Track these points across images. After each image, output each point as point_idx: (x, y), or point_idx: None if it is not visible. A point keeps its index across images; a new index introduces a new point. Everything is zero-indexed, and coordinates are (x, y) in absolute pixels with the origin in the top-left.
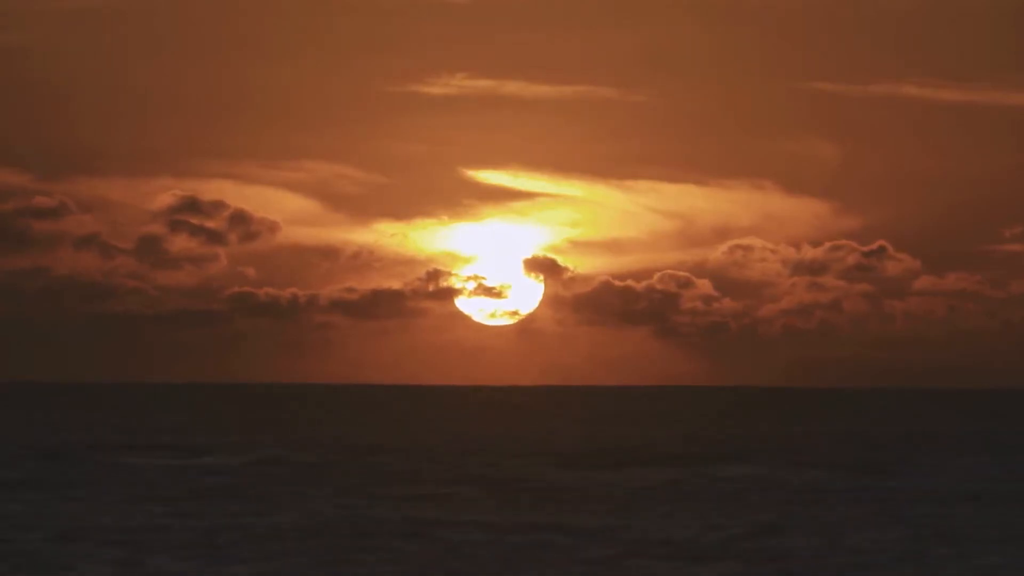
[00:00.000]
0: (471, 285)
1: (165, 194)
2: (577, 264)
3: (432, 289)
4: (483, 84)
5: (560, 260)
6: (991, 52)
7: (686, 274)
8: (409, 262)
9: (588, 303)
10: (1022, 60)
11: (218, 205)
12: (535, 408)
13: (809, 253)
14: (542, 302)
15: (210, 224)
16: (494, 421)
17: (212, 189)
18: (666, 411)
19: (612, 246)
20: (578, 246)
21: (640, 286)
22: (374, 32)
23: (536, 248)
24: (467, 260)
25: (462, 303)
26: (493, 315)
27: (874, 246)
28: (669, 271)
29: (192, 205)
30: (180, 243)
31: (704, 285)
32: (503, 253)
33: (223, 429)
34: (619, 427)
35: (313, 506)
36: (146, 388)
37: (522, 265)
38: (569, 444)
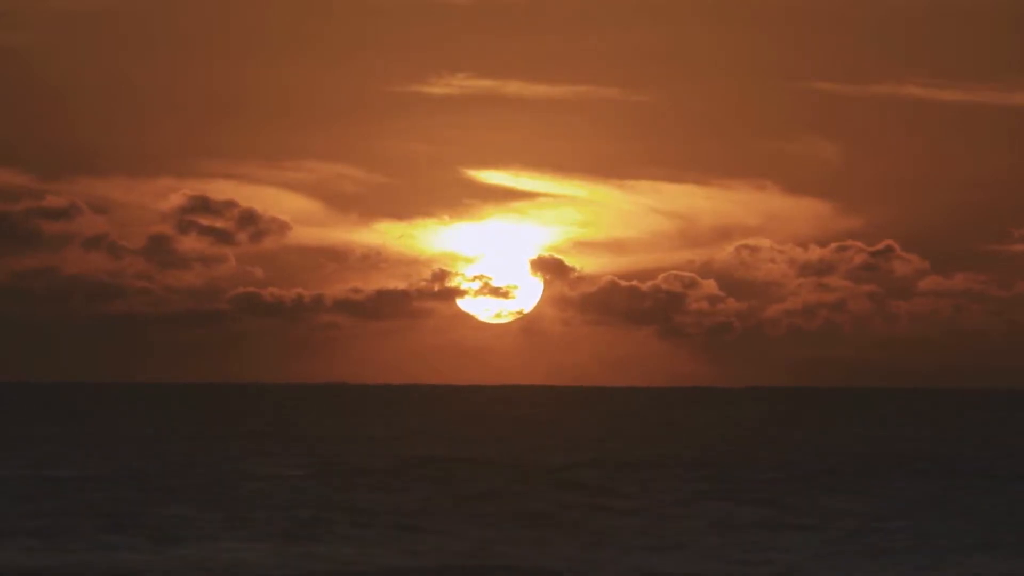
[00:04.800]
0: (476, 285)
1: (175, 194)
2: (579, 264)
3: (437, 289)
4: (484, 84)
5: (566, 260)
6: (994, 53)
7: (691, 274)
8: (412, 262)
9: (593, 303)
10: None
11: (228, 205)
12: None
13: (816, 253)
14: (547, 302)
15: (219, 224)
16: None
17: (214, 189)
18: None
19: (613, 246)
20: (580, 246)
21: (645, 286)
22: (375, 32)
23: (538, 248)
24: (469, 260)
25: (468, 303)
26: (499, 315)
27: (881, 246)
28: (674, 271)
29: (203, 205)
30: (189, 243)
31: (709, 285)
32: (506, 253)
33: None
34: None
35: None
36: (153, 388)
37: (528, 265)
38: None
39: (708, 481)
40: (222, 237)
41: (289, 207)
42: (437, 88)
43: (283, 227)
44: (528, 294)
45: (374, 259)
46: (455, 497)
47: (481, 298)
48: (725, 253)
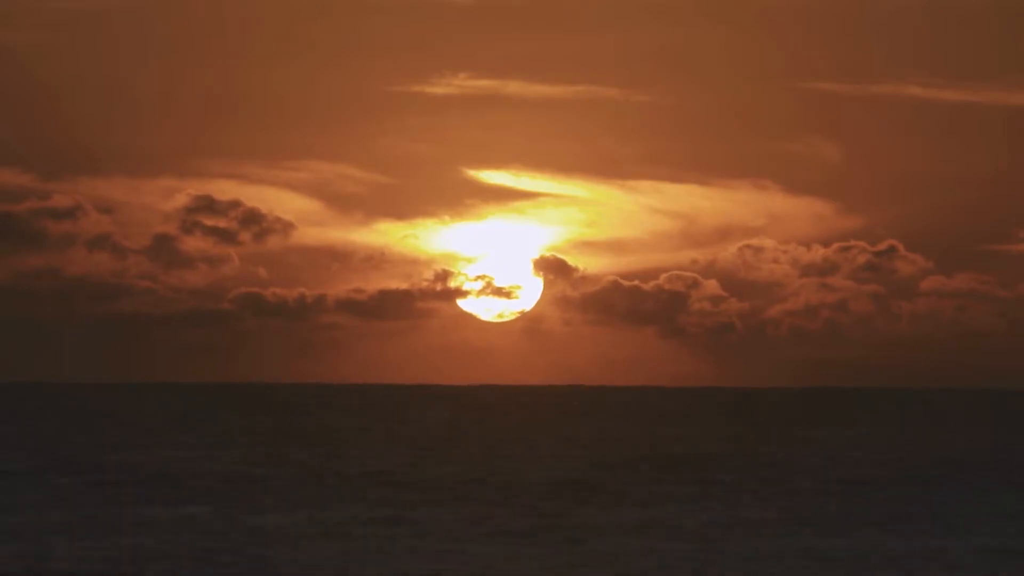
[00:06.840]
0: (478, 285)
1: (179, 194)
2: (581, 264)
3: (439, 289)
4: (485, 84)
5: (568, 260)
6: (993, 53)
7: (693, 274)
8: (414, 263)
9: (595, 303)
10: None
11: (232, 205)
12: None
13: (819, 253)
14: (549, 302)
15: (223, 224)
16: None
17: (215, 189)
18: None
19: (615, 246)
20: (581, 246)
21: (647, 286)
22: (376, 32)
23: (540, 248)
24: (471, 260)
25: (470, 303)
26: (501, 315)
27: (883, 246)
28: (676, 271)
29: (207, 205)
30: (192, 243)
31: (711, 285)
32: (507, 253)
33: None
34: None
35: None
36: (156, 388)
37: (530, 265)
38: None
39: None
40: (226, 237)
41: (291, 207)
42: (438, 88)
43: (287, 227)
44: (530, 294)
45: (376, 259)
46: None
47: (483, 298)
48: (727, 253)
